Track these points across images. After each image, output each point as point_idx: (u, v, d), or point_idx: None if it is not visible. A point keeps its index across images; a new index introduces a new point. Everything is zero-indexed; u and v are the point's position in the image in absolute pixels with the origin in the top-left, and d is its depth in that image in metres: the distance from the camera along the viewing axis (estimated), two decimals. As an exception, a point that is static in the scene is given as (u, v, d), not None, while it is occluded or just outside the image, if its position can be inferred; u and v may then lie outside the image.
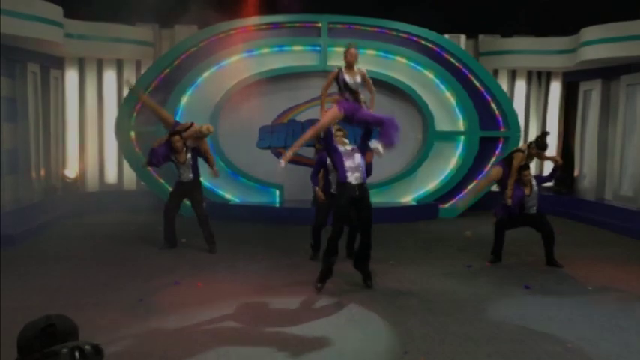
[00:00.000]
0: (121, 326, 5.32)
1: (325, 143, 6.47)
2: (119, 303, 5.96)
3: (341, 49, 11.39)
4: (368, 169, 6.69)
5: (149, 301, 6.02)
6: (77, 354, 1.63)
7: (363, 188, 6.32)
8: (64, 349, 1.63)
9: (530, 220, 7.93)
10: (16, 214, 9.46)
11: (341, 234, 6.33)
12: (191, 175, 8.40)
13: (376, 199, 11.29)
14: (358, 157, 6.38)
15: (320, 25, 11.52)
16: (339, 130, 7.17)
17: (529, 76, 13.46)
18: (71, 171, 12.15)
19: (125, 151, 11.45)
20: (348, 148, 6.53)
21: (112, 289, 6.41)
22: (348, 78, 6.31)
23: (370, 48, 11.65)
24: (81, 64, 12.26)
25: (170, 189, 11.30)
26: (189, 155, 8.36)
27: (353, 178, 6.25)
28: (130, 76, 12.28)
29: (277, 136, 11.89)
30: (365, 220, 6.43)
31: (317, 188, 7.72)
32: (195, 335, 5.16)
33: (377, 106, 11.64)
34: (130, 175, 12.30)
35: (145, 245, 8.68)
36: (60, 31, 10.11)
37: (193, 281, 6.80)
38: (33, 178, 10.72)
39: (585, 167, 12.91)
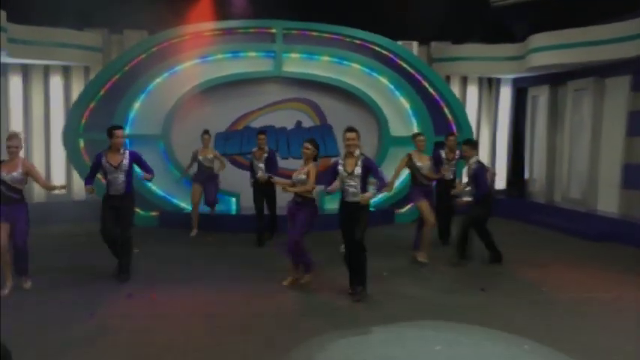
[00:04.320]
0: (71, 341, 5.08)
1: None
2: (68, 318, 5.70)
3: (296, 55, 11.55)
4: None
5: (100, 315, 5.78)
6: None
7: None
8: None
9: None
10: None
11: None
12: (124, 186, 7.08)
13: (332, 205, 11.31)
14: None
15: (274, 31, 11.45)
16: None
17: (480, 81, 13.74)
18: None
19: (73, 159, 11.06)
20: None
21: (60, 303, 6.13)
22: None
23: (325, 54, 11.65)
24: (25, 71, 11.80)
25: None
26: (125, 161, 7.07)
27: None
28: (78, 82, 11.93)
29: (232, 142, 11.73)
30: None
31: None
32: (147, 349, 4.97)
33: (333, 112, 11.88)
34: (78, 185, 11.85)
35: (95, 257, 8.35)
36: (2, 35, 9.70)
37: (147, 293, 6.58)
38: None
39: (535, 171, 13.26)
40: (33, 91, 11.88)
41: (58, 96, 12.03)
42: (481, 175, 7.89)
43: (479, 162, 8.02)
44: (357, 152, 6.37)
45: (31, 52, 10.96)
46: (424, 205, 8.22)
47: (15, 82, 11.70)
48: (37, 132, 11.92)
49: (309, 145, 6.68)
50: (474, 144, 8.26)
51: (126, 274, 7.14)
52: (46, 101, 11.97)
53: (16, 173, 6.46)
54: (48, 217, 10.90)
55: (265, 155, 9.39)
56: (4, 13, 9.69)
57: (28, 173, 6.59)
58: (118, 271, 7.18)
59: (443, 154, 9.34)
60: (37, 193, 11.91)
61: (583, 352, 5.03)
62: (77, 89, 11.75)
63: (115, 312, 5.93)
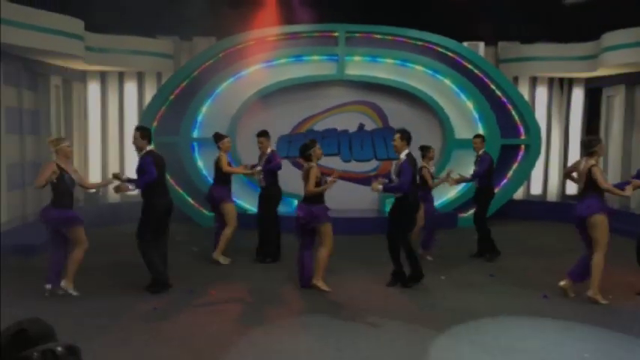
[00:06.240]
0: (134, 333, 5.34)
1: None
2: (133, 311, 5.99)
3: (359, 58, 11.59)
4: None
5: (163, 309, 6.04)
6: (49, 357, 1.62)
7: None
8: (35, 353, 1.63)
9: None
10: (39, 223, 9.57)
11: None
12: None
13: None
14: None
15: (337, 34, 11.54)
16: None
17: (550, 82, 13.26)
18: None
19: (145, 161, 11.55)
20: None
21: (127, 298, 6.44)
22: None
23: (388, 57, 11.63)
24: (103, 77, 12.47)
25: (190, 200, 11.45)
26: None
27: None
28: (151, 88, 12.47)
29: (295, 145, 11.87)
30: None
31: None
32: (202, 343, 5.15)
33: (396, 114, 11.81)
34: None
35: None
36: (80, 44, 10.31)
37: (207, 290, 6.80)
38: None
39: (609, 175, 12.61)
40: (109, 97, 12.54)
41: (132, 101, 12.65)
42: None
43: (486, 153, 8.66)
44: (400, 155, 6.88)
45: (107, 60, 11.58)
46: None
47: (93, 88, 12.40)
48: (112, 135, 12.57)
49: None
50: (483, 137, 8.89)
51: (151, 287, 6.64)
52: (120, 106, 12.61)
53: None
54: (122, 217, 11.46)
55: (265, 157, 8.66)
56: (81, 23, 10.28)
57: None
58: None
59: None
60: (111, 194, 12.55)
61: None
62: (150, 94, 12.30)
63: (175, 305, 6.17)
